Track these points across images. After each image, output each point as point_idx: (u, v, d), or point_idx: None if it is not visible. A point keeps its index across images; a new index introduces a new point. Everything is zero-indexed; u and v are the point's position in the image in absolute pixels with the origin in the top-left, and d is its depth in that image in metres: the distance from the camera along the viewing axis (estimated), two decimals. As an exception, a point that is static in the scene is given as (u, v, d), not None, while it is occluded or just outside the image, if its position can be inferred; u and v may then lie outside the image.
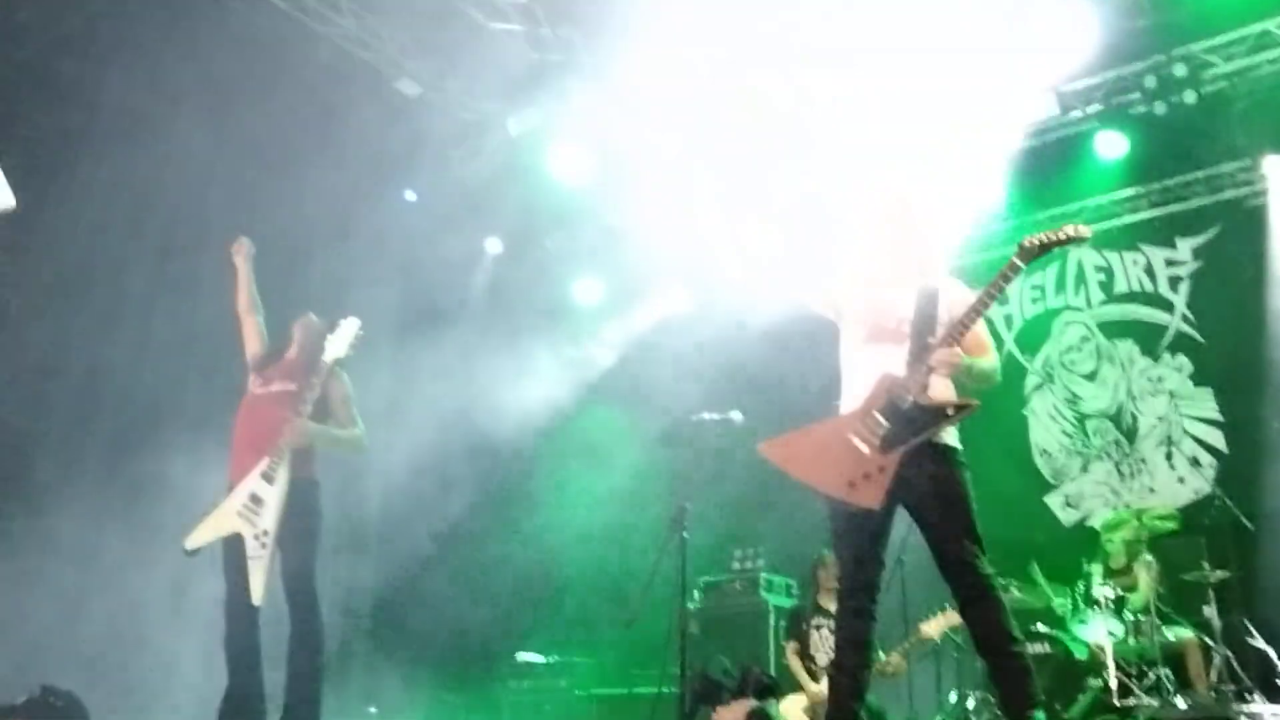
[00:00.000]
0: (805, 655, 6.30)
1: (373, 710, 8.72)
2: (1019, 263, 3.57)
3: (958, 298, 3.73)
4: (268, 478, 4.47)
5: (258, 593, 4.41)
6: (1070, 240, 3.64)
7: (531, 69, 9.36)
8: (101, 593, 7.78)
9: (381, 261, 9.59)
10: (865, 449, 3.56)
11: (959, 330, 3.58)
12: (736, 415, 4.83)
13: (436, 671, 8.71)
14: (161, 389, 8.23)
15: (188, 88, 8.74)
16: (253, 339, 5.22)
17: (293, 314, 5.20)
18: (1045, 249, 3.61)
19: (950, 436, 3.65)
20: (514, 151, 9.70)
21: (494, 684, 8.28)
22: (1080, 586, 6.53)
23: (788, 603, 7.09)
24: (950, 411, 3.62)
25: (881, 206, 4.05)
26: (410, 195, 10.18)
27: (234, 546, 4.50)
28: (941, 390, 3.63)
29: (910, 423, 3.56)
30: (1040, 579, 6.63)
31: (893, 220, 3.98)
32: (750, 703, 2.31)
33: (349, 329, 4.65)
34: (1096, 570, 6.51)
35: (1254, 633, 6.09)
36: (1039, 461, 7.83)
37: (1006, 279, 3.58)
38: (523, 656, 8.25)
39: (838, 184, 7.21)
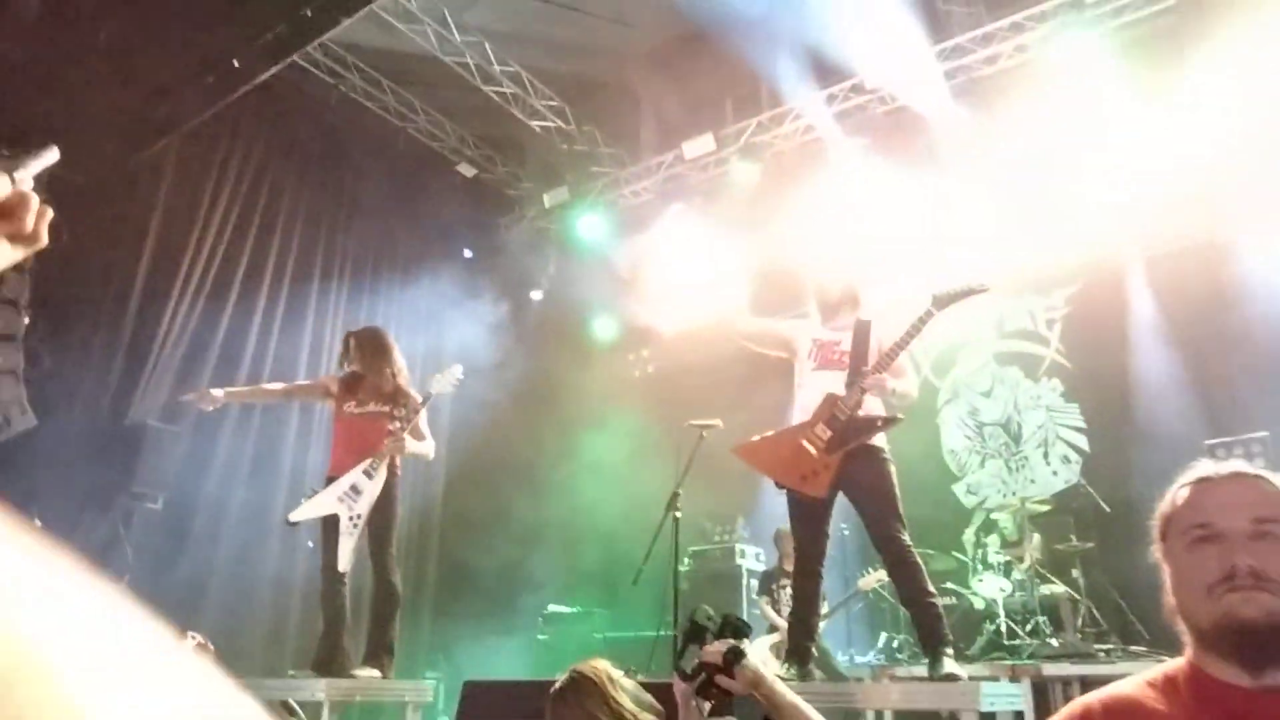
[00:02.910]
0: (773, 606, 6.50)
1: (438, 657, 8.82)
2: (934, 310, 3.70)
3: (885, 334, 3.85)
4: (368, 474, 4.51)
5: (345, 562, 4.50)
6: (974, 292, 3.76)
7: (561, 156, 9.57)
8: (229, 556, 7.90)
9: (445, 304, 9.76)
10: (814, 451, 3.71)
11: (886, 361, 3.75)
12: (717, 422, 4.87)
13: (484, 622, 8.74)
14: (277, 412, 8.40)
15: (307, 167, 9.02)
16: (303, 392, 5.47)
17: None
18: (955, 299, 3.73)
19: (880, 440, 3.79)
20: (548, 219, 9.87)
21: (530, 630, 8.32)
22: (979, 554, 6.64)
23: (758, 567, 7.21)
24: (879, 423, 3.81)
25: (826, 281, 4.16)
26: (467, 254, 10.28)
27: (331, 524, 4.55)
28: (872, 407, 3.79)
29: (848, 431, 3.69)
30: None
31: (833, 286, 4.12)
32: (729, 642, 2.46)
33: (455, 373, 4.71)
34: (992, 542, 6.60)
35: (1110, 589, 6.18)
36: (947, 459, 7.90)
37: (924, 322, 3.71)
38: (552, 608, 8.36)
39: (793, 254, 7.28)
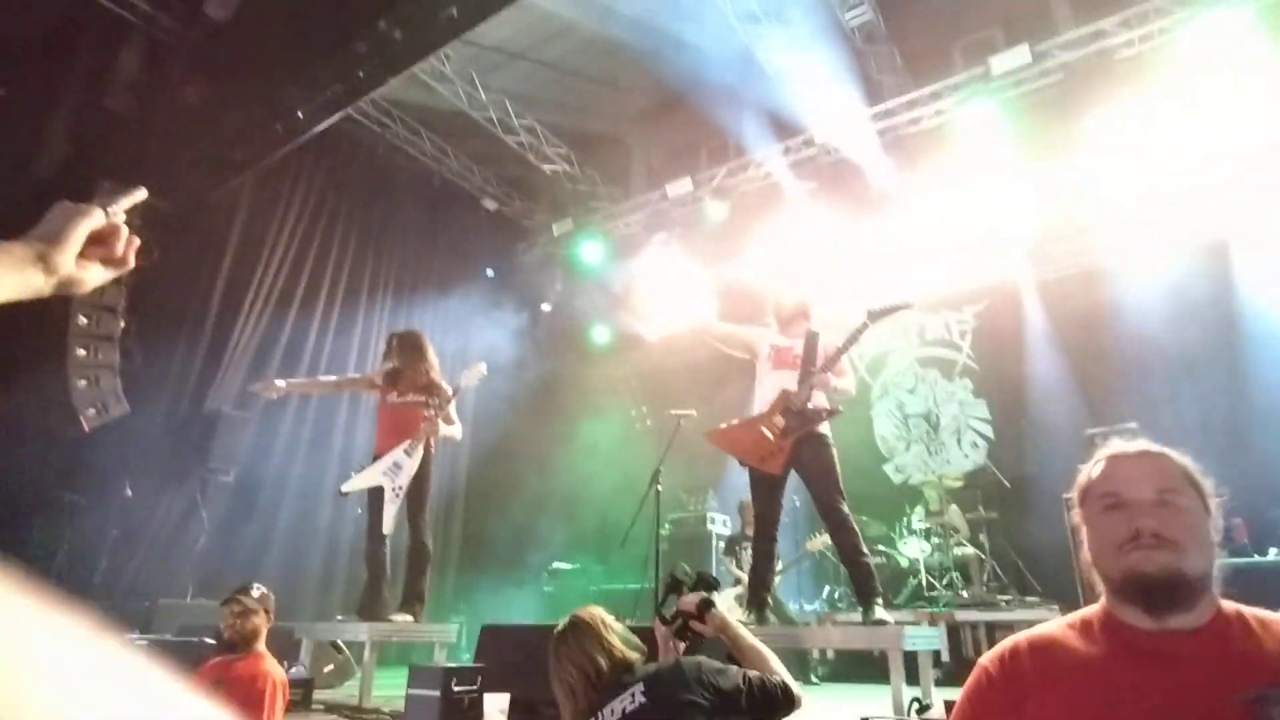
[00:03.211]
0: (736, 564, 6.46)
1: (461, 605, 8.77)
2: (868, 322, 3.68)
3: (830, 341, 3.84)
4: (407, 453, 4.49)
5: (389, 525, 4.45)
6: (901, 308, 3.74)
7: (567, 194, 9.56)
8: (288, 520, 7.82)
9: (471, 314, 9.72)
10: (771, 436, 3.71)
11: (830, 363, 3.76)
12: (692, 412, 4.83)
13: (500, 576, 8.66)
14: (330, 402, 8.32)
15: (357, 201, 8.95)
16: (353, 384, 5.29)
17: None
18: (886, 314, 3.70)
19: (824, 429, 3.78)
20: (556, 245, 9.85)
21: (537, 583, 8.29)
22: (905, 521, 6.63)
23: (725, 531, 7.15)
24: (824, 414, 3.80)
25: (782, 298, 4.14)
26: (490, 273, 10.24)
27: (377, 494, 4.52)
28: (819, 400, 3.79)
29: (800, 420, 3.70)
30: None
31: (787, 302, 4.10)
32: (701, 594, 2.45)
33: (479, 369, 4.63)
34: (916, 512, 6.61)
35: (1010, 550, 6.21)
36: (879, 444, 7.86)
37: (860, 332, 3.70)
38: (556, 564, 8.35)
39: (755, 275, 7.30)
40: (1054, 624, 1.21)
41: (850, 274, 7.51)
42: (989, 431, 7.31)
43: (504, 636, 3.42)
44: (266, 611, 3.29)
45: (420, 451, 4.52)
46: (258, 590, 3.23)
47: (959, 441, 7.43)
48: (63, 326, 6.99)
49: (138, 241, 0.96)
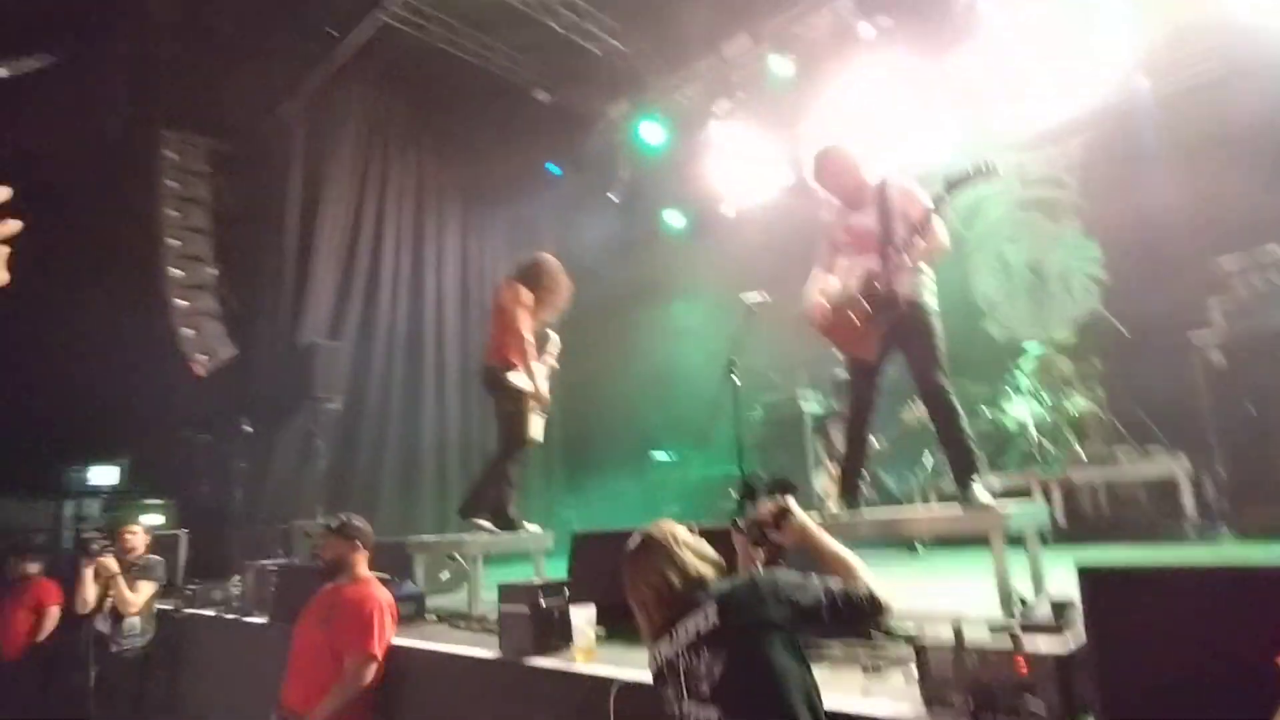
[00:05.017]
0: (827, 445, 6.33)
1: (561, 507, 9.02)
2: (946, 195, 3.35)
3: (912, 213, 3.48)
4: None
5: (538, 432, 4.65)
6: (983, 176, 3.30)
7: (620, 72, 9.03)
8: (395, 439, 8.19)
9: (540, 212, 9.59)
10: (860, 320, 3.53)
11: (911, 241, 3.43)
12: (763, 295, 4.55)
13: (598, 475, 8.82)
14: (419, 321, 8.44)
15: (412, 117, 8.79)
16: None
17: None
18: (966, 183, 3.31)
19: (927, 296, 3.53)
20: (616, 131, 9.43)
21: (636, 479, 8.42)
22: (1010, 381, 6.25)
23: (818, 410, 7.00)
24: (911, 299, 3.49)
25: (854, 173, 3.74)
26: (553, 169, 9.98)
27: (520, 403, 4.60)
28: (904, 279, 3.50)
29: (886, 303, 3.49)
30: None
31: (860, 177, 3.71)
32: (778, 499, 2.35)
33: (556, 342, 4.84)
34: (1023, 369, 6.20)
35: (1131, 402, 5.79)
36: (978, 300, 7.38)
37: (940, 203, 3.38)
38: (655, 454, 8.50)
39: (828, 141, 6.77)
40: None
41: (936, 121, 6.83)
42: (1102, 274, 6.69)
43: (596, 543, 3.46)
44: (350, 539, 3.46)
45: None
46: (336, 521, 3.38)
47: (1069, 289, 6.84)
48: (159, 281, 7.38)
49: (1, 250, 0.80)
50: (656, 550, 2.14)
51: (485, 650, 3.01)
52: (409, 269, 8.79)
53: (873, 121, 7.08)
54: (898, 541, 5.25)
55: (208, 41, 7.18)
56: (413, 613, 3.93)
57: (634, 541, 2.20)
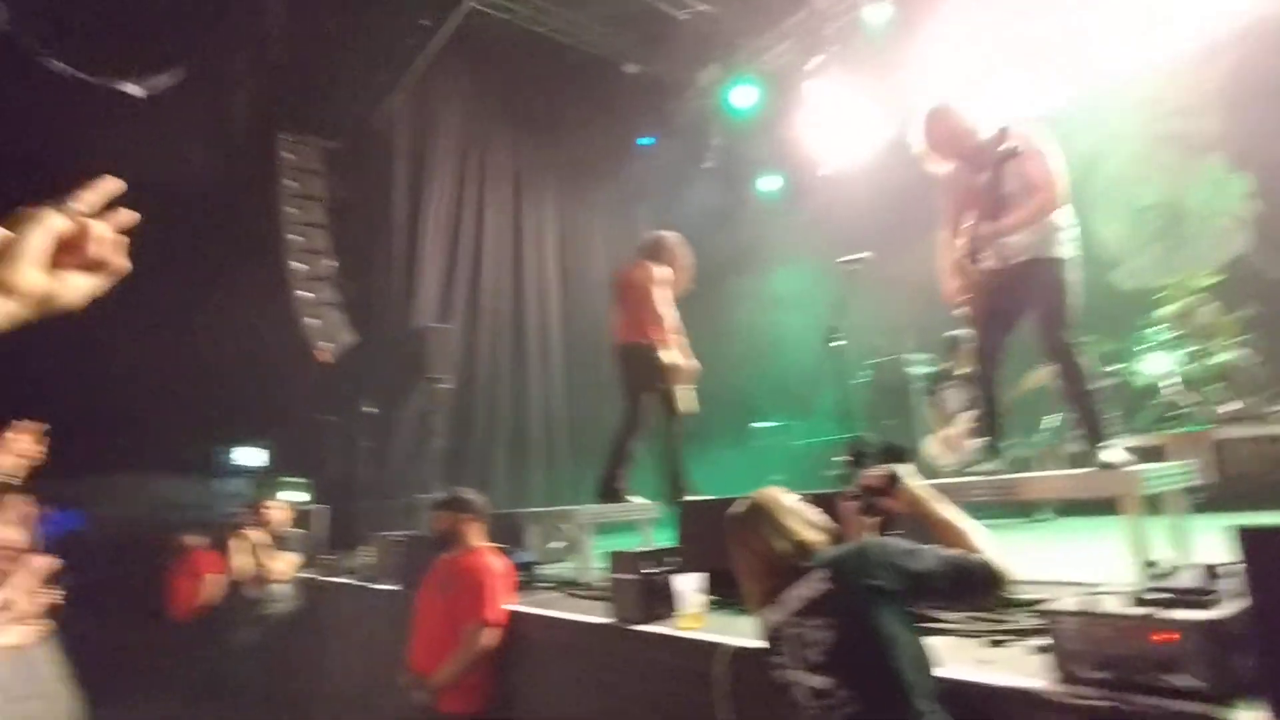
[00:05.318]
0: (936, 406, 6.04)
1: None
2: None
3: (1030, 168, 3.32)
4: None
5: (692, 404, 4.79)
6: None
7: (707, 37, 8.82)
8: (506, 415, 8.43)
9: (637, 186, 9.56)
10: (977, 277, 3.48)
11: (1024, 197, 3.31)
12: (865, 254, 4.31)
13: (704, 444, 8.78)
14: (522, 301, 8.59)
15: (506, 101, 8.93)
16: None
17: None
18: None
19: (1057, 249, 3.34)
20: (707, 97, 9.27)
21: (740, 446, 8.30)
22: (1143, 333, 5.76)
23: (925, 370, 6.68)
24: (1021, 258, 3.36)
25: (967, 126, 3.57)
26: (646, 141, 9.91)
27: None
28: (1013, 238, 3.35)
29: (998, 258, 3.41)
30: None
31: (972, 129, 3.55)
32: (888, 466, 2.26)
33: None
34: (1158, 320, 5.66)
35: None
36: (1101, 250, 6.72)
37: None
38: (757, 424, 8.41)
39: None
40: None
41: (1055, 61, 6.30)
42: (1248, 212, 6.06)
43: (702, 510, 3.47)
44: (458, 511, 3.60)
45: None
46: (444, 495, 3.53)
47: (1211, 230, 6.23)
48: (282, 274, 7.87)
49: (117, 239, 0.82)
50: (761, 517, 2.11)
51: (597, 616, 3.08)
52: (510, 250, 9.00)
53: (978, 65, 6.59)
54: (1019, 511, 5.01)
55: (313, 47, 7.53)
56: (526, 581, 4.06)
57: (738, 508, 2.18)
